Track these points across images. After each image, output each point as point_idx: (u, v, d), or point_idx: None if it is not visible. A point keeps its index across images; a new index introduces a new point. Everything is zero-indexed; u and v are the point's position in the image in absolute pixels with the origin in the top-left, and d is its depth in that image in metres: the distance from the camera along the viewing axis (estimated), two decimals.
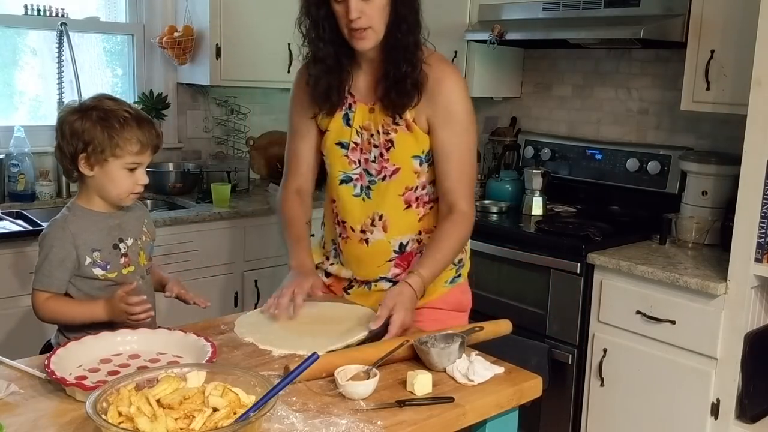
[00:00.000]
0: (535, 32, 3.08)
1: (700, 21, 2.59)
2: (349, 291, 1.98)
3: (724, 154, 2.74)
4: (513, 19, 3.16)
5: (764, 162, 2.19)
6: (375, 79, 1.79)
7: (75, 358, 1.44)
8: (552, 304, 2.73)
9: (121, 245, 1.75)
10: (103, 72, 3.62)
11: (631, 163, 3.11)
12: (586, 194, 3.28)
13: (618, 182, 3.17)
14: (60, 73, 3.22)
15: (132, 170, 1.70)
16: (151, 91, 3.56)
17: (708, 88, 2.58)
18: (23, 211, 2.93)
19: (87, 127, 1.65)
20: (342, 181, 1.88)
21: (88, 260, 1.70)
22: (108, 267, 1.72)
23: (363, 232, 1.88)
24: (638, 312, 2.49)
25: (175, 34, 3.44)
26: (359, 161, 1.85)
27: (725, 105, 2.56)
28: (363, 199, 1.87)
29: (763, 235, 2.22)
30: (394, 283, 1.86)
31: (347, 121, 1.84)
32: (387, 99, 1.76)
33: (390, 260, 1.88)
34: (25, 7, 3.21)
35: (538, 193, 3.16)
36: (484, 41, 3.16)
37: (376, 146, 1.82)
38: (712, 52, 2.56)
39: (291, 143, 1.97)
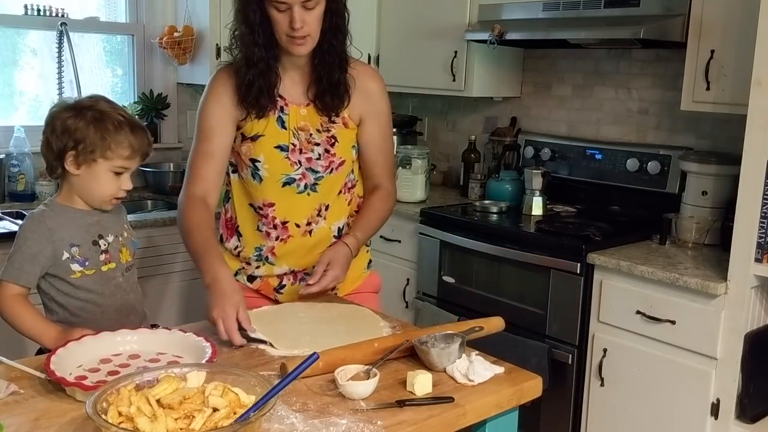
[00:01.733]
0: (535, 32, 3.08)
1: (700, 21, 2.59)
2: (281, 291, 1.97)
3: (724, 154, 2.74)
4: (513, 19, 3.15)
5: (764, 162, 2.19)
6: (305, 82, 1.89)
7: (75, 358, 1.44)
8: (552, 304, 2.73)
9: (101, 241, 1.74)
10: (103, 72, 3.62)
11: (631, 163, 3.11)
12: (586, 194, 3.28)
13: (618, 182, 3.17)
14: (60, 73, 3.22)
15: (118, 174, 1.69)
16: (151, 91, 3.56)
17: (708, 88, 2.58)
18: (23, 211, 2.93)
19: (80, 126, 1.65)
20: (285, 183, 1.90)
21: (66, 255, 1.68)
22: (86, 263, 1.71)
23: (308, 224, 1.94)
24: (638, 312, 2.49)
25: (175, 34, 3.44)
26: (300, 162, 1.89)
27: (725, 105, 2.56)
28: (308, 194, 1.92)
29: (763, 235, 2.22)
30: None
31: (282, 123, 1.88)
32: (322, 102, 1.88)
33: (330, 245, 1.93)
34: (25, 7, 3.21)
35: (538, 193, 3.16)
36: (484, 41, 3.16)
37: (317, 144, 1.90)
38: (712, 52, 2.56)
39: (201, 144, 1.88)
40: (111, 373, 1.41)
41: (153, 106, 3.54)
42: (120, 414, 1.12)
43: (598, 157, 3.25)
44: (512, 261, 2.85)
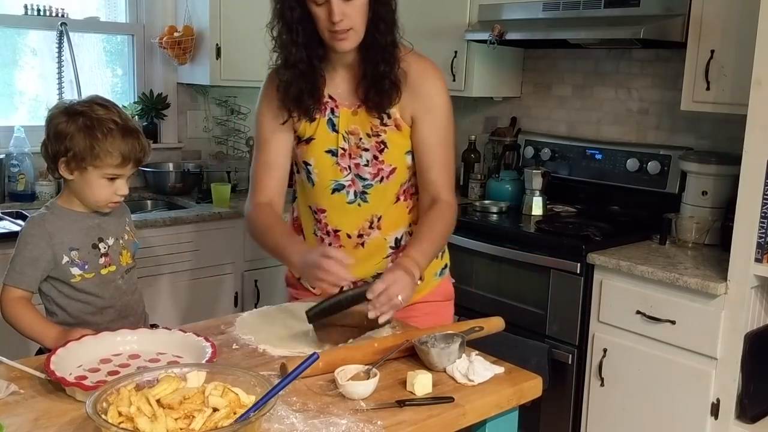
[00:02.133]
0: (535, 32, 3.08)
1: (700, 21, 2.59)
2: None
3: (724, 154, 2.74)
4: (513, 19, 3.16)
5: (764, 162, 2.19)
6: (355, 81, 1.77)
7: (75, 358, 1.44)
8: (552, 304, 2.72)
9: (101, 245, 1.74)
10: (103, 72, 3.62)
11: (631, 163, 3.11)
12: (586, 194, 3.28)
13: (618, 182, 3.17)
14: (60, 73, 3.22)
15: (112, 180, 1.68)
16: (151, 91, 3.56)
17: (708, 88, 2.58)
18: (23, 211, 2.93)
19: (71, 132, 1.63)
20: (334, 190, 1.83)
21: (66, 259, 1.68)
22: (86, 267, 1.71)
23: (360, 236, 1.85)
24: (638, 312, 2.49)
25: (175, 34, 3.44)
26: (350, 167, 1.81)
27: (725, 105, 2.56)
28: (359, 204, 1.83)
29: (763, 235, 2.22)
30: None
31: (333, 126, 1.79)
32: (369, 100, 1.74)
33: (387, 257, 1.87)
34: (25, 7, 3.21)
35: (538, 193, 3.16)
36: (484, 41, 3.16)
37: (366, 150, 1.79)
38: (712, 52, 2.56)
39: (261, 154, 1.86)
40: (111, 373, 1.41)
41: (153, 106, 3.54)
42: (120, 414, 1.12)
43: (598, 157, 3.25)
44: (512, 261, 2.85)
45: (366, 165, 1.80)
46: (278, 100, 1.78)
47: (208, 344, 1.48)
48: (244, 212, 1.89)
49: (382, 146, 1.78)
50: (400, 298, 1.57)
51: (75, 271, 1.70)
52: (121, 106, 1.76)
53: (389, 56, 1.71)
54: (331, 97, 1.79)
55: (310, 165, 1.83)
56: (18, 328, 1.67)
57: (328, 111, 1.79)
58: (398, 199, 1.85)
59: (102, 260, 1.74)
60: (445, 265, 1.99)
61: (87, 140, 1.63)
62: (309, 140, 1.82)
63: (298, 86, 1.74)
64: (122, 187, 1.71)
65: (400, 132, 1.78)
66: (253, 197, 1.87)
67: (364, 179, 1.81)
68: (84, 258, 1.71)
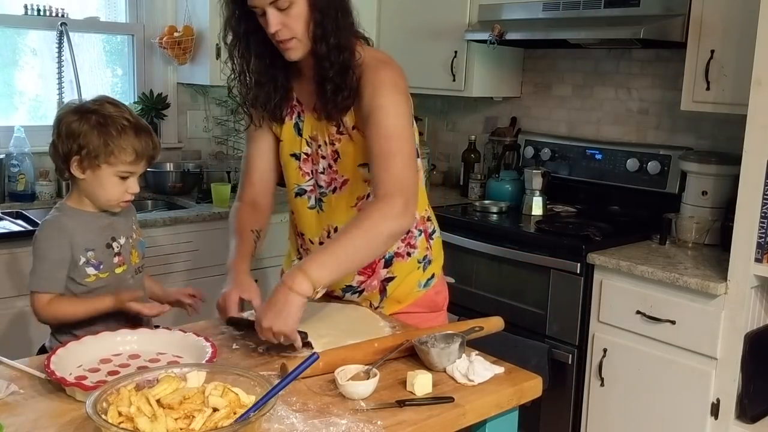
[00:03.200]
0: (535, 32, 3.08)
1: (700, 21, 2.59)
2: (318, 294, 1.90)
3: (724, 154, 2.74)
4: (513, 19, 3.16)
5: (764, 162, 2.19)
6: (314, 87, 1.72)
7: (75, 358, 1.44)
8: (552, 304, 2.72)
9: (114, 244, 1.74)
10: (103, 72, 3.62)
11: (631, 163, 3.11)
12: (586, 194, 3.28)
13: (618, 182, 3.17)
14: (60, 73, 3.22)
15: (124, 178, 1.68)
16: (151, 91, 3.56)
17: (708, 88, 2.58)
18: (23, 211, 2.93)
19: (84, 130, 1.63)
20: (297, 194, 1.84)
21: (83, 260, 1.69)
22: (101, 267, 1.71)
23: (321, 244, 1.83)
24: (638, 312, 2.49)
25: (175, 34, 3.44)
26: (311, 172, 1.80)
27: (725, 105, 2.56)
28: (317, 212, 1.83)
29: (763, 235, 2.22)
30: (360, 292, 1.85)
31: (298, 130, 1.79)
32: (319, 107, 1.70)
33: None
34: (25, 7, 3.21)
35: (538, 193, 3.16)
36: (484, 41, 3.16)
37: (323, 157, 1.77)
38: (712, 52, 2.56)
39: (247, 150, 1.89)
40: (111, 373, 1.41)
41: (153, 106, 3.54)
42: (120, 414, 1.12)
43: (598, 157, 3.25)
44: (512, 261, 2.85)
45: (322, 173, 1.79)
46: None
47: (208, 344, 1.48)
48: (232, 207, 1.90)
49: (336, 156, 1.75)
50: (274, 329, 1.46)
51: (90, 271, 1.70)
52: (126, 106, 1.76)
53: (335, 62, 1.63)
54: (298, 101, 1.78)
55: (282, 166, 1.86)
56: (68, 318, 1.67)
57: (295, 114, 1.78)
58: (358, 212, 1.76)
59: (116, 260, 1.74)
60: (432, 275, 1.90)
61: (101, 137, 1.62)
62: (280, 141, 1.83)
63: (254, 94, 1.74)
64: (134, 186, 1.71)
65: (353, 142, 1.72)
66: (239, 193, 1.90)
67: (321, 186, 1.80)
68: (99, 258, 1.71)
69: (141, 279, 1.84)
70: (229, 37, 1.71)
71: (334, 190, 1.78)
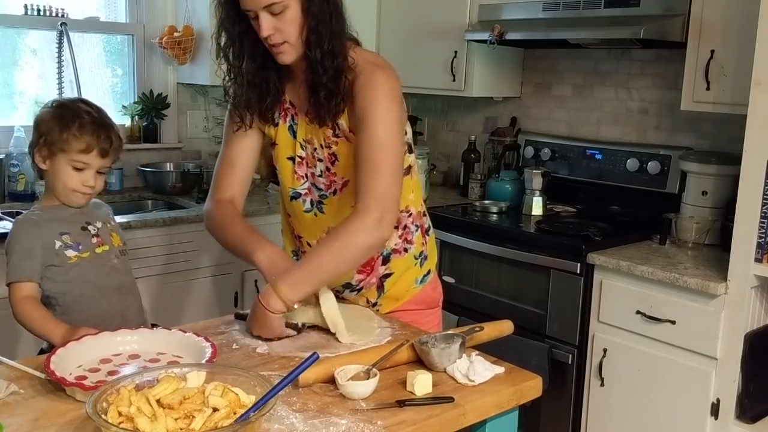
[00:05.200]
0: (535, 32, 3.08)
1: (700, 21, 2.59)
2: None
3: (724, 154, 2.74)
4: (513, 19, 3.15)
5: (764, 162, 2.19)
6: (307, 91, 1.72)
7: (75, 358, 1.44)
8: (552, 304, 2.72)
9: (90, 227, 1.78)
10: (103, 72, 3.62)
11: (631, 163, 3.11)
12: (586, 194, 3.28)
13: (618, 182, 3.17)
14: (60, 73, 3.22)
15: (79, 170, 1.71)
16: (151, 91, 3.56)
17: (708, 88, 2.58)
18: (23, 211, 2.92)
19: (46, 120, 1.70)
20: (292, 197, 1.83)
21: (58, 244, 1.71)
22: (80, 247, 1.74)
23: None
24: (638, 312, 2.49)
25: (175, 34, 3.44)
26: (306, 176, 1.80)
27: (725, 105, 2.56)
28: (315, 214, 1.82)
29: (763, 235, 2.22)
30: (359, 290, 1.86)
31: (293, 133, 1.78)
32: (311, 111, 1.70)
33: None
34: (25, 7, 3.21)
35: (538, 193, 3.16)
36: (484, 41, 3.16)
37: (320, 160, 1.76)
38: (712, 52, 2.56)
39: (224, 151, 1.85)
40: (111, 373, 1.41)
41: (153, 106, 3.54)
42: (120, 414, 1.12)
43: (598, 157, 3.25)
44: (512, 261, 2.85)
45: (320, 176, 1.78)
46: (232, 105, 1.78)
47: (208, 344, 1.48)
48: (204, 209, 1.86)
49: (333, 158, 1.74)
50: (264, 337, 1.59)
51: (70, 252, 1.73)
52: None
53: (328, 67, 1.62)
54: (291, 104, 1.77)
55: (277, 169, 1.85)
56: (27, 326, 1.68)
57: (289, 117, 1.78)
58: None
59: (94, 240, 1.78)
60: (428, 272, 1.92)
61: (57, 125, 1.69)
62: (274, 144, 1.82)
63: (246, 95, 1.73)
64: (90, 179, 1.73)
65: (350, 143, 1.71)
66: (214, 194, 1.85)
67: (320, 189, 1.80)
68: (76, 239, 1.74)
69: (126, 262, 1.86)
70: (223, 38, 1.71)
71: (334, 192, 1.78)
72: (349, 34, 1.72)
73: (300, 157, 1.79)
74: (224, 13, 1.68)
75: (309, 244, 1.86)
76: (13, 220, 2.83)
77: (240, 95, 1.75)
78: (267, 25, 1.58)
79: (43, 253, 1.70)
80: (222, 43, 1.72)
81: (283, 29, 1.59)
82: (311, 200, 1.82)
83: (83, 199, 1.77)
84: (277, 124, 1.79)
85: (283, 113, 1.78)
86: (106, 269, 1.78)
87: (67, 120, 1.68)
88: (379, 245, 1.67)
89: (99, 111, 1.76)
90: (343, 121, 1.70)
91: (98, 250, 1.77)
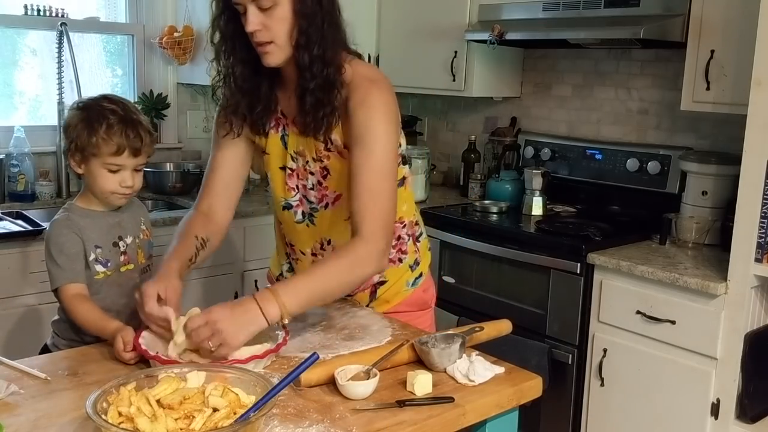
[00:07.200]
0: (535, 32, 3.08)
1: (700, 21, 2.59)
2: None
3: (724, 154, 2.74)
4: (513, 19, 3.16)
5: (764, 162, 2.19)
6: (296, 100, 1.66)
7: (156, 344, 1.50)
8: (552, 304, 2.73)
9: (121, 243, 1.75)
10: (103, 72, 3.62)
11: (631, 163, 3.11)
12: (586, 194, 3.28)
13: (618, 182, 3.17)
14: (60, 73, 3.22)
15: (114, 171, 1.67)
16: (151, 91, 3.56)
17: (708, 88, 2.58)
18: (23, 211, 2.93)
19: (74, 125, 1.67)
20: (284, 207, 1.81)
21: (92, 256, 1.69)
22: (108, 264, 1.72)
23: (314, 255, 1.82)
24: (638, 312, 2.49)
25: (175, 34, 3.44)
26: (297, 187, 1.77)
27: (725, 105, 2.56)
28: (307, 225, 1.79)
29: (763, 235, 2.22)
30: (350, 295, 1.85)
31: (285, 144, 1.74)
32: (300, 122, 1.64)
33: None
34: (25, 7, 3.21)
35: (538, 193, 3.16)
36: (484, 41, 3.16)
37: (312, 173, 1.72)
38: (712, 52, 2.56)
39: (212, 155, 1.82)
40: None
41: (153, 106, 3.54)
42: (120, 414, 1.12)
43: (598, 157, 3.25)
44: (512, 261, 2.85)
45: (312, 189, 1.75)
46: (222, 108, 1.75)
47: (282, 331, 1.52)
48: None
49: (325, 172, 1.70)
50: (223, 333, 1.41)
51: (99, 268, 1.70)
52: (125, 101, 1.75)
53: (317, 74, 1.56)
54: (283, 114, 1.72)
55: (269, 177, 1.82)
56: (81, 324, 1.65)
57: (281, 127, 1.73)
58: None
59: (122, 258, 1.75)
60: (420, 274, 1.91)
61: (86, 130, 1.65)
62: (264, 153, 1.78)
63: (235, 100, 1.68)
64: (128, 179, 1.69)
65: (343, 159, 1.66)
66: (197, 200, 1.83)
67: (311, 203, 1.77)
68: (106, 256, 1.72)
69: (148, 279, 1.83)
70: (216, 38, 1.68)
71: (326, 206, 1.75)
72: (352, 48, 1.68)
73: (291, 168, 1.75)
74: (218, 10, 1.64)
75: (302, 252, 1.85)
76: (13, 220, 2.84)
77: (229, 98, 1.71)
78: (254, 20, 1.53)
79: (83, 259, 1.68)
80: (215, 43, 1.68)
81: (271, 27, 1.54)
82: (303, 212, 1.79)
83: (123, 199, 1.73)
84: (267, 134, 1.74)
85: (274, 123, 1.74)
86: (126, 289, 1.74)
87: (94, 122, 1.64)
88: (381, 272, 1.69)
89: (125, 107, 1.69)
90: (336, 137, 1.65)
91: (123, 269, 1.74)
